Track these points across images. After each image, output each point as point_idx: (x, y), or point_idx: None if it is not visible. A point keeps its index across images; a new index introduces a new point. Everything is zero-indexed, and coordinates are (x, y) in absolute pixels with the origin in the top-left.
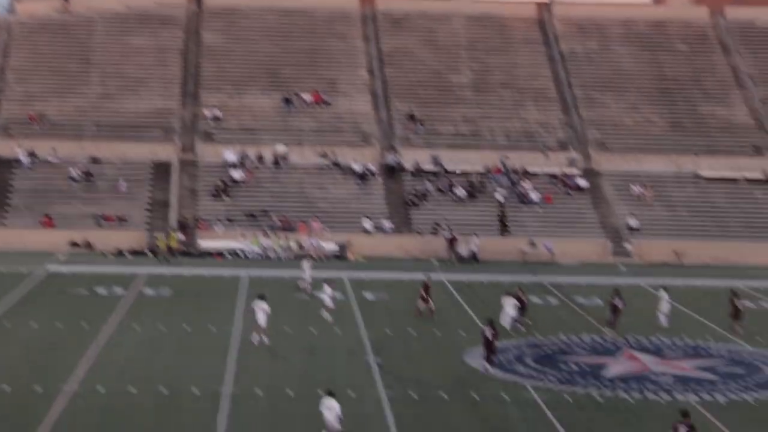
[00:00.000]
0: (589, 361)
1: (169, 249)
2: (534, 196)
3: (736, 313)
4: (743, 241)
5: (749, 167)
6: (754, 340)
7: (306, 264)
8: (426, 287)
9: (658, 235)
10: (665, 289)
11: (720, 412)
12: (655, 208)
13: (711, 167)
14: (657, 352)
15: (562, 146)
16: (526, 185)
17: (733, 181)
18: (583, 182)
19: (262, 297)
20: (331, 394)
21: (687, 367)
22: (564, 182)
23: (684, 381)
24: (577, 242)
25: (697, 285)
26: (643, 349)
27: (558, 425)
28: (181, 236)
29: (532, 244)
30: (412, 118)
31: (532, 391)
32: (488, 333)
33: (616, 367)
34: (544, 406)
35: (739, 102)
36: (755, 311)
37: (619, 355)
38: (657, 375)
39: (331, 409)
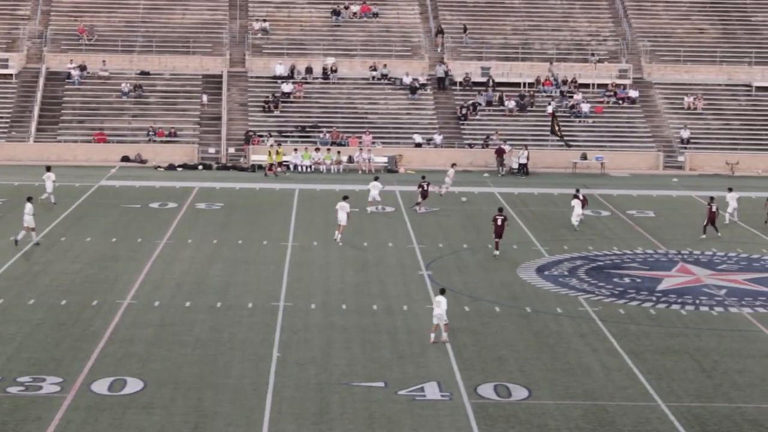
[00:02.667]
0: (642, 274)
1: (273, 164)
2: (584, 107)
3: None
4: None
5: None
6: None
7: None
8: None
9: (710, 147)
10: (731, 189)
11: None
12: (707, 119)
13: (764, 77)
14: (711, 265)
15: (613, 57)
16: (577, 97)
17: None
18: (633, 93)
19: (345, 198)
20: (442, 292)
21: (740, 280)
22: (615, 93)
23: (737, 294)
24: (628, 154)
25: (750, 197)
26: (697, 263)
27: (611, 338)
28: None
29: (584, 157)
30: (440, 32)
31: (586, 305)
32: (499, 220)
33: (670, 281)
34: (597, 320)
35: None
36: None
37: (673, 268)
38: (710, 288)
39: (439, 304)
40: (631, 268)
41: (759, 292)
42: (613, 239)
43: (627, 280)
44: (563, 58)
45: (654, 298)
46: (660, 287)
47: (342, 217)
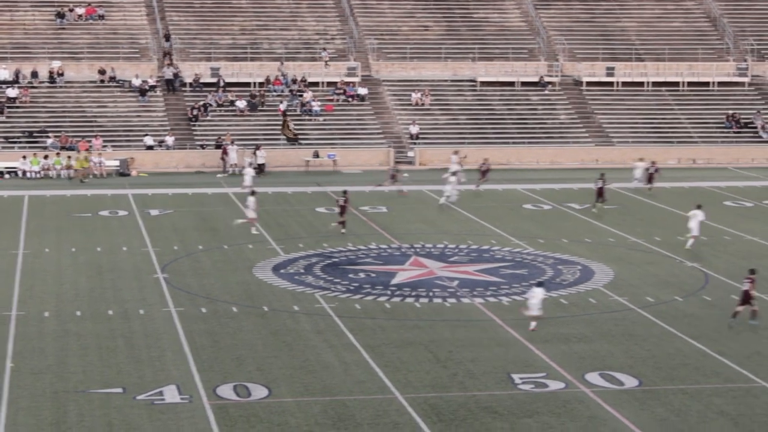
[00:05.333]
0: (377, 269)
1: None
2: (315, 106)
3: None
4: (521, 145)
5: (524, 71)
6: (536, 243)
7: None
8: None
9: (438, 142)
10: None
11: (503, 313)
12: (435, 114)
13: (488, 72)
14: (443, 257)
15: (341, 55)
16: (307, 95)
17: (510, 84)
18: (363, 91)
19: (253, 193)
20: (540, 284)
21: (471, 271)
22: (344, 91)
23: (469, 284)
24: (360, 151)
25: (478, 189)
26: (430, 256)
27: (348, 333)
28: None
29: (316, 155)
30: (166, 50)
31: (322, 302)
32: (341, 201)
33: (403, 274)
34: (334, 316)
35: (512, 7)
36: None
37: (406, 262)
38: (443, 280)
39: (534, 296)
40: (365, 263)
41: (489, 282)
42: (347, 235)
43: (362, 275)
44: (292, 57)
45: (389, 292)
46: (394, 281)
47: (250, 212)
